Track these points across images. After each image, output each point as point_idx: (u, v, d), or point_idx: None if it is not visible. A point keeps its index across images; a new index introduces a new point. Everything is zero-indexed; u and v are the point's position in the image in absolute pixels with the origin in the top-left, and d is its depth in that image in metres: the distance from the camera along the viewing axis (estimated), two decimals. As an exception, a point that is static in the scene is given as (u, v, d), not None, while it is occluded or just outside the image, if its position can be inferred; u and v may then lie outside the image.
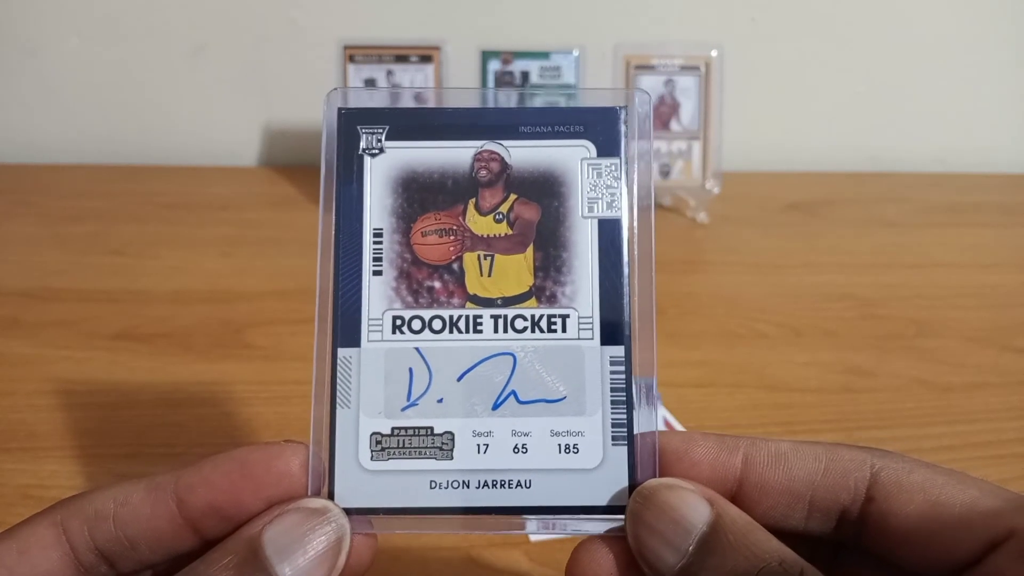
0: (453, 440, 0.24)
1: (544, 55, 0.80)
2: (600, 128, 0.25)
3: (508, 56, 0.80)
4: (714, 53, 0.78)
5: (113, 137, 0.94)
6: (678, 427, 0.49)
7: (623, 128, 0.25)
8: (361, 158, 0.25)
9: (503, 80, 0.80)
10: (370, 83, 0.82)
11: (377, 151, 0.25)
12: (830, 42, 0.91)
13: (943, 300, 0.64)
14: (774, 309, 0.62)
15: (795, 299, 0.63)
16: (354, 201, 0.25)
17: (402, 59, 0.82)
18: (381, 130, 0.25)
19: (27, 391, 0.51)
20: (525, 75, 0.80)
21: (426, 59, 0.82)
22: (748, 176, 0.87)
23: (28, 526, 0.22)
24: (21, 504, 0.43)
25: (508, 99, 0.26)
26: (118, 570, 0.22)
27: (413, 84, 0.83)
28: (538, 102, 0.25)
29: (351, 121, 0.25)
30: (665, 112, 0.79)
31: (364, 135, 0.25)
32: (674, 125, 0.79)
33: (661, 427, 0.48)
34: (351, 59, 0.82)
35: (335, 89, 0.25)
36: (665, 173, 0.79)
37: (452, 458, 0.24)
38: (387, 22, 0.89)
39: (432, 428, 0.24)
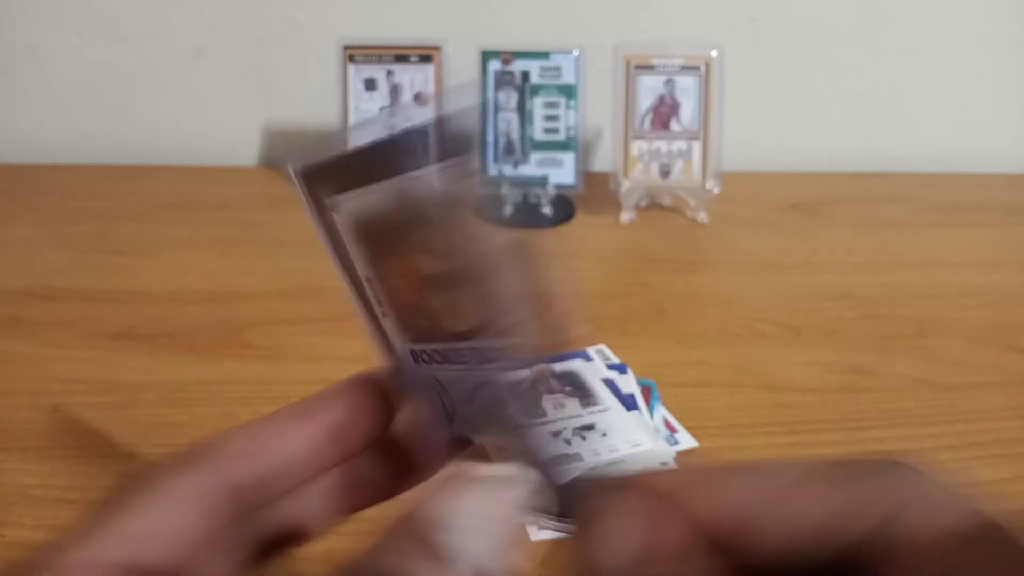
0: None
1: (544, 55, 0.79)
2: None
3: (508, 56, 0.80)
4: (714, 53, 0.78)
5: (113, 137, 0.94)
6: (678, 427, 0.49)
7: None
8: (331, 216, 0.23)
9: (503, 80, 0.80)
10: (370, 83, 0.82)
11: (336, 206, 0.23)
12: (830, 42, 0.91)
13: (943, 300, 0.64)
14: (774, 309, 0.62)
15: (795, 299, 0.63)
16: (344, 256, 0.24)
17: (402, 59, 0.82)
18: (333, 185, 0.23)
19: (28, 391, 0.51)
20: (525, 75, 0.80)
21: (426, 59, 0.82)
22: (748, 176, 0.87)
23: (165, 479, 0.22)
24: (22, 504, 0.43)
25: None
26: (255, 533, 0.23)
27: (413, 84, 0.83)
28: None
29: (311, 181, 0.23)
30: (665, 112, 0.79)
31: (324, 193, 0.23)
32: (674, 125, 0.79)
33: (660, 427, 0.49)
34: (351, 59, 0.82)
35: (292, 156, 0.23)
36: (665, 173, 0.79)
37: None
38: (387, 22, 0.89)
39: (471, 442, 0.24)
